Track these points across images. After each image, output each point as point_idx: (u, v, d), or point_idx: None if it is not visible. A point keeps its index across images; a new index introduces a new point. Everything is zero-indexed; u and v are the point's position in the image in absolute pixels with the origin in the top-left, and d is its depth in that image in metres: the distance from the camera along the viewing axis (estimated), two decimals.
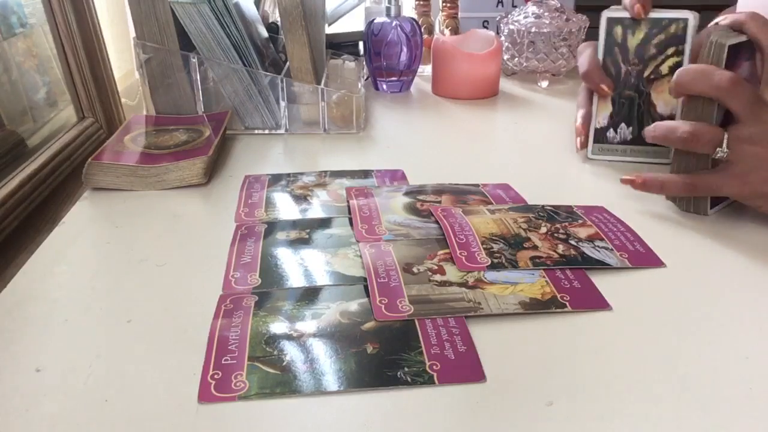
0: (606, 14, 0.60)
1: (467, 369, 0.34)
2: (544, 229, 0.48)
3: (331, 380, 0.33)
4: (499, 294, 0.40)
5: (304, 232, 0.49)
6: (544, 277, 0.42)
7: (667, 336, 0.37)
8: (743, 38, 0.51)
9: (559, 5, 0.93)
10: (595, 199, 0.54)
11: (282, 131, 0.74)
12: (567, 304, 0.39)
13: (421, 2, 1.07)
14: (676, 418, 0.30)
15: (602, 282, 0.42)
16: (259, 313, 0.38)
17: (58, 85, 0.70)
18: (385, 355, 0.35)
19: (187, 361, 0.34)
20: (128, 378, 0.33)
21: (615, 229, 0.48)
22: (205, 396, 0.32)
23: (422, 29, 0.95)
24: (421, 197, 0.54)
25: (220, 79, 0.72)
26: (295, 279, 0.42)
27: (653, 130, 0.52)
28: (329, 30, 1.02)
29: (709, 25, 0.56)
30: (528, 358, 0.35)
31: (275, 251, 0.46)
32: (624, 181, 0.53)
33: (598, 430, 0.30)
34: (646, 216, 0.51)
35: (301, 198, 0.55)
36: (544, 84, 0.94)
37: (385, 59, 0.89)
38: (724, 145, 0.47)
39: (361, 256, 0.45)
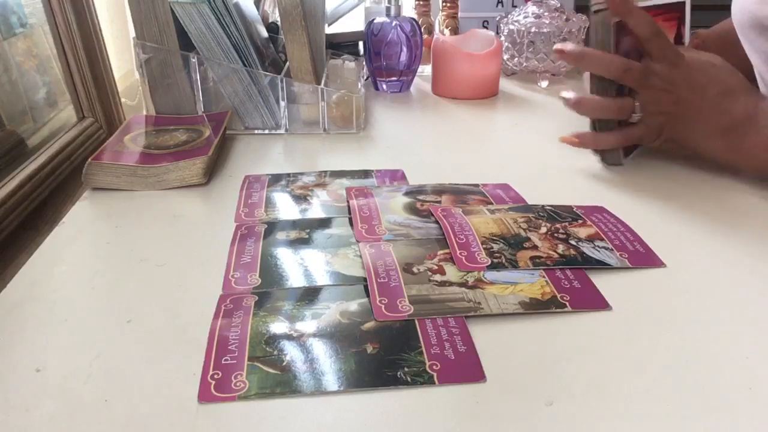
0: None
1: (467, 369, 0.34)
2: (544, 229, 0.48)
3: (331, 380, 0.33)
4: (499, 294, 0.40)
5: (304, 232, 0.49)
6: (544, 277, 0.42)
7: (667, 336, 0.37)
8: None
9: (559, 5, 0.93)
10: (595, 199, 0.54)
11: (282, 131, 0.74)
12: (567, 304, 0.39)
13: (421, 2, 1.07)
14: (676, 418, 0.30)
15: (602, 282, 0.42)
16: (259, 313, 0.38)
17: (58, 85, 0.70)
18: (385, 355, 0.35)
19: (187, 361, 0.34)
20: (128, 378, 0.33)
21: (615, 229, 0.48)
22: (205, 396, 0.32)
23: (422, 29, 0.95)
24: (421, 197, 0.54)
25: (220, 79, 0.72)
26: (295, 279, 0.42)
27: (582, 105, 0.61)
28: (329, 30, 1.02)
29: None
30: (528, 358, 0.35)
31: (275, 251, 0.46)
32: (563, 140, 0.63)
33: (598, 430, 0.30)
34: (646, 216, 0.51)
35: (301, 198, 0.55)
36: (544, 84, 0.94)
37: (385, 59, 0.89)
38: (638, 111, 0.59)
39: (361, 256, 0.45)
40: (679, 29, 0.61)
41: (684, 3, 0.60)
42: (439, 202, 0.53)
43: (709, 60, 0.59)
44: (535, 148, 0.69)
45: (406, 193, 0.55)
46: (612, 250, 0.46)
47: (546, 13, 0.91)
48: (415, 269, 0.43)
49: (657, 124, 0.59)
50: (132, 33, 0.71)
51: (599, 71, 0.60)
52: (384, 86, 0.92)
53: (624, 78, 0.59)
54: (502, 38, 0.94)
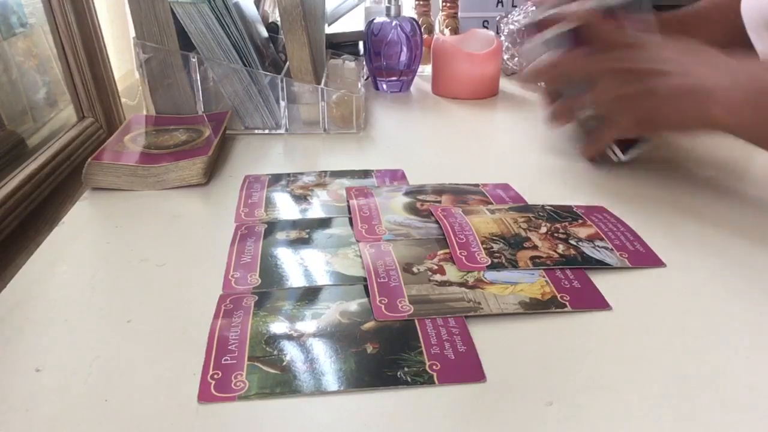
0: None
1: (467, 369, 0.34)
2: (544, 229, 0.48)
3: (331, 380, 0.33)
4: (499, 294, 0.40)
5: (304, 232, 0.49)
6: (544, 277, 0.42)
7: (667, 336, 0.37)
8: (566, 26, 0.58)
9: None
10: (595, 199, 0.54)
11: (282, 131, 0.74)
12: (567, 304, 0.39)
13: (421, 2, 1.08)
14: (676, 418, 0.30)
15: (602, 282, 0.42)
16: (259, 313, 0.38)
17: (58, 85, 0.70)
18: (385, 355, 0.35)
19: (187, 361, 0.34)
20: (128, 378, 0.33)
21: (615, 229, 0.48)
22: (205, 396, 0.32)
23: (422, 29, 0.95)
24: (421, 197, 0.54)
25: (220, 79, 0.72)
26: (295, 279, 0.42)
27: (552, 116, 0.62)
28: (329, 30, 1.02)
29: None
30: (528, 358, 0.35)
31: (275, 251, 0.46)
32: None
33: (598, 430, 0.30)
34: (646, 216, 0.51)
35: (301, 198, 0.55)
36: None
37: (385, 59, 0.89)
38: (588, 104, 0.58)
39: (361, 256, 0.45)
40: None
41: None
42: (439, 202, 0.53)
43: (678, 40, 0.56)
44: (535, 148, 0.69)
45: (406, 193, 0.55)
46: (612, 250, 0.46)
47: None
48: (415, 269, 0.43)
49: (624, 112, 0.56)
50: (132, 33, 0.71)
51: (569, 71, 0.58)
52: (384, 86, 0.92)
53: (589, 65, 0.56)
54: (502, 38, 0.94)
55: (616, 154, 0.62)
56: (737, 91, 0.50)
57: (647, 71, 0.54)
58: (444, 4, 1.06)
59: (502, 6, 1.08)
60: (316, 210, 0.53)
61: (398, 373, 0.33)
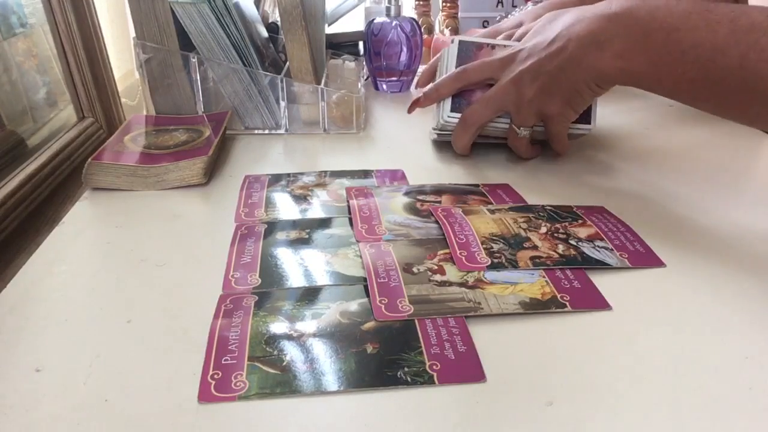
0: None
1: (467, 369, 0.34)
2: (544, 229, 0.48)
3: (331, 380, 0.33)
4: (499, 294, 0.40)
5: (304, 232, 0.49)
6: (544, 277, 0.42)
7: (667, 336, 0.37)
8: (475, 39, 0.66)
9: None
10: (595, 199, 0.54)
11: (282, 131, 0.74)
12: (567, 304, 0.39)
13: (421, 2, 1.08)
14: (676, 418, 0.30)
15: (602, 282, 0.42)
16: (259, 313, 0.38)
17: (58, 85, 0.70)
18: (385, 355, 0.35)
19: (187, 361, 0.34)
20: (128, 378, 0.33)
21: (615, 229, 0.48)
22: (205, 396, 0.32)
23: (422, 29, 0.95)
24: (421, 197, 0.54)
25: (220, 79, 0.72)
26: (295, 279, 0.42)
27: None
28: (329, 30, 1.02)
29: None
30: (528, 358, 0.35)
31: (275, 251, 0.46)
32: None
33: (598, 430, 0.30)
34: (646, 216, 0.51)
35: (301, 198, 0.55)
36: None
37: (385, 59, 0.89)
38: (515, 122, 0.60)
39: (361, 256, 0.45)
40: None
41: None
42: (439, 202, 0.53)
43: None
44: None
45: (406, 193, 0.55)
46: (612, 250, 0.46)
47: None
48: (415, 269, 0.43)
49: (547, 105, 0.57)
50: (132, 33, 0.71)
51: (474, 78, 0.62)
52: (384, 86, 0.92)
53: (493, 67, 0.60)
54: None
55: (584, 130, 0.62)
56: (620, 37, 0.51)
57: (532, 65, 0.57)
58: (444, 4, 1.06)
59: (502, 6, 1.08)
60: (316, 210, 0.53)
61: (398, 373, 0.33)
